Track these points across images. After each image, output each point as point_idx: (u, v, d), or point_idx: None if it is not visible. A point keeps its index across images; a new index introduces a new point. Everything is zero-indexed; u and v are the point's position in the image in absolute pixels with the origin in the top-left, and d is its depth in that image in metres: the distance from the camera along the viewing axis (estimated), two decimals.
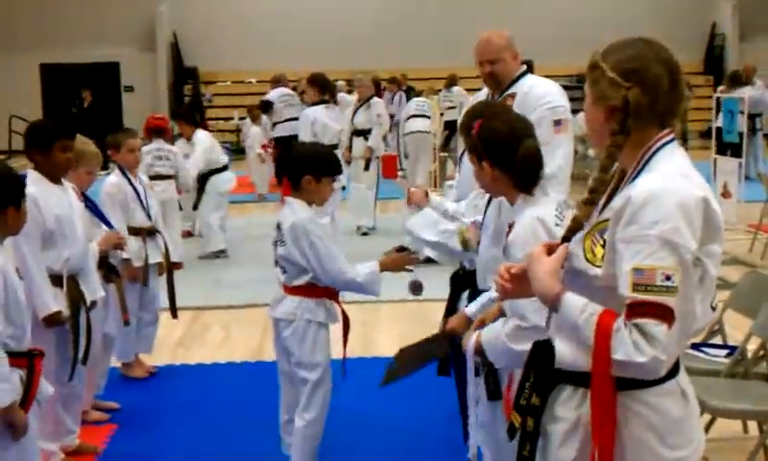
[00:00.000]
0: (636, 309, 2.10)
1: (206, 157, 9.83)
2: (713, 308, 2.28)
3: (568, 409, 2.30)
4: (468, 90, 15.47)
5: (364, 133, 10.90)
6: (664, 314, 2.09)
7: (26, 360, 3.36)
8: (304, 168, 4.14)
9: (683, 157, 2.27)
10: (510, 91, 4.81)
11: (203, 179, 9.98)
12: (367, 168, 10.79)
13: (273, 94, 13.78)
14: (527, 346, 2.44)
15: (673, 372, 2.25)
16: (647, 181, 2.18)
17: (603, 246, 2.22)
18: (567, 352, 2.26)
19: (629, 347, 2.10)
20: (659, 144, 2.25)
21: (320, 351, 4.20)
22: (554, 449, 2.33)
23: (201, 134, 10.09)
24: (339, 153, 9.51)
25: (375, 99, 11.24)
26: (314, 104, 10.07)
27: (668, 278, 2.08)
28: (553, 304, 2.27)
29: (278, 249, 4.15)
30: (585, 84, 2.37)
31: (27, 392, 3.33)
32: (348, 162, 10.80)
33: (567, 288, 2.28)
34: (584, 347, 2.20)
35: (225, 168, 10.19)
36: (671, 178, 2.17)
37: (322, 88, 9.63)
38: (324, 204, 4.30)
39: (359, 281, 4.11)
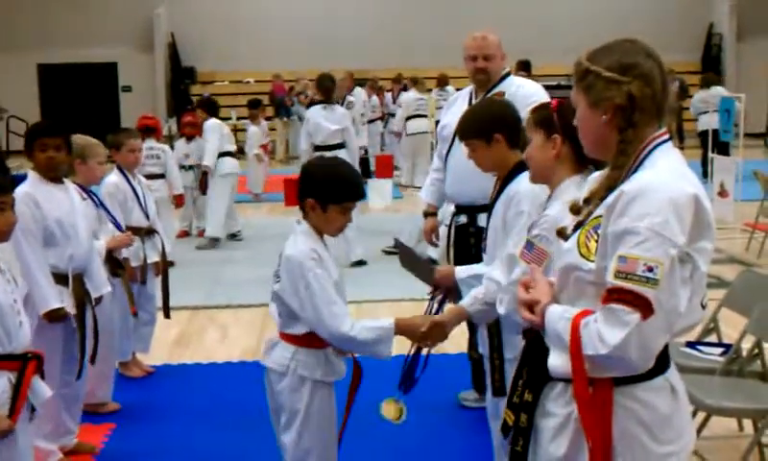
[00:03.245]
0: (614, 294, 2.13)
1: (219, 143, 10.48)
2: (704, 306, 2.29)
3: (559, 405, 2.33)
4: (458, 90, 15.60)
5: None
6: (639, 304, 2.11)
7: (19, 363, 3.30)
8: (308, 189, 3.40)
9: (677, 157, 2.30)
10: (497, 89, 4.92)
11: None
12: None
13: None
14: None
15: (662, 367, 2.27)
16: (640, 176, 2.21)
17: (597, 241, 2.25)
18: (559, 363, 2.27)
19: (595, 339, 2.14)
20: (654, 143, 2.28)
21: (313, 418, 3.40)
22: (545, 444, 2.35)
23: (210, 122, 10.60)
24: (343, 153, 9.49)
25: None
26: (314, 103, 10.15)
27: (650, 269, 2.10)
28: (540, 318, 2.31)
29: (275, 284, 3.42)
30: (573, 94, 2.37)
31: (16, 396, 3.27)
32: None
33: (559, 286, 2.32)
34: (567, 352, 2.23)
35: (230, 154, 10.72)
36: (664, 175, 2.19)
37: (323, 90, 9.72)
38: (336, 234, 3.49)
39: (360, 339, 3.28)
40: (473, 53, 4.96)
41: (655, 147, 2.27)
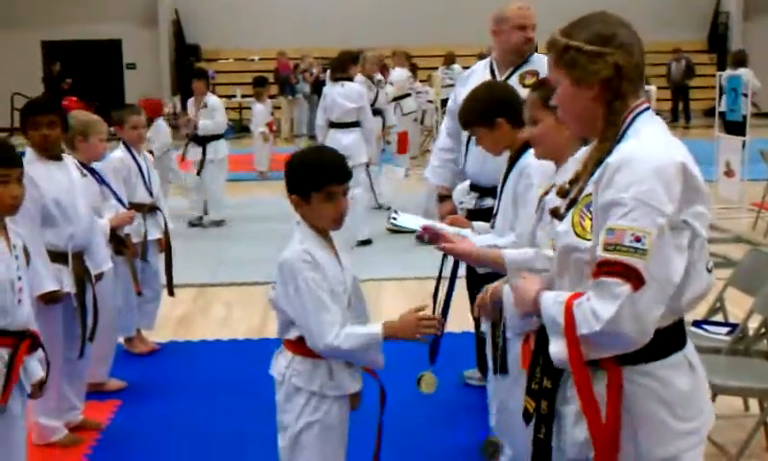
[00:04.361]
0: (604, 267, 2.10)
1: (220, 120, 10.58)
2: (709, 270, 2.25)
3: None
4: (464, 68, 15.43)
5: None
6: (629, 275, 2.07)
7: (13, 340, 3.29)
8: (289, 184, 3.11)
9: (660, 124, 2.28)
10: (529, 68, 4.77)
11: (202, 145, 10.47)
12: None
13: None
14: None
15: (680, 344, 2.25)
16: (624, 147, 2.18)
17: (591, 219, 2.22)
18: (558, 350, 2.22)
19: (588, 316, 2.10)
20: (635, 113, 2.25)
21: (309, 434, 3.08)
22: (568, 430, 2.30)
23: (217, 100, 10.73)
24: (357, 132, 9.47)
25: None
26: (320, 81, 10.22)
27: (638, 239, 2.06)
28: (535, 308, 2.29)
29: (271, 290, 3.17)
30: (551, 74, 2.34)
31: (8, 375, 3.25)
32: None
33: (559, 269, 2.30)
34: (564, 337, 2.19)
35: (221, 136, 10.73)
36: (649, 143, 2.17)
37: (339, 66, 9.72)
38: (334, 226, 3.14)
39: (345, 349, 2.99)
40: (522, 22, 4.74)
41: (636, 116, 2.25)
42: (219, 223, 10.62)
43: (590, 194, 2.22)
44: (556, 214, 2.39)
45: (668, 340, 2.22)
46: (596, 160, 2.25)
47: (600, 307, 2.09)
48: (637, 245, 2.06)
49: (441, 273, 4.13)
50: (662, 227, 2.08)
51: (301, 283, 2.98)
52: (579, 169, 2.34)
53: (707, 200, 2.18)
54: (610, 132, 2.25)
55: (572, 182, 2.35)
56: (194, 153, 10.64)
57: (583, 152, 2.41)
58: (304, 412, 3.08)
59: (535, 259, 2.68)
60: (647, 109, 2.27)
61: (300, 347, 3.09)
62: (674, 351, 2.23)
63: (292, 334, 3.10)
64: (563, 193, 2.37)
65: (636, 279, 2.06)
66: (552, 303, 2.22)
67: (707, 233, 2.20)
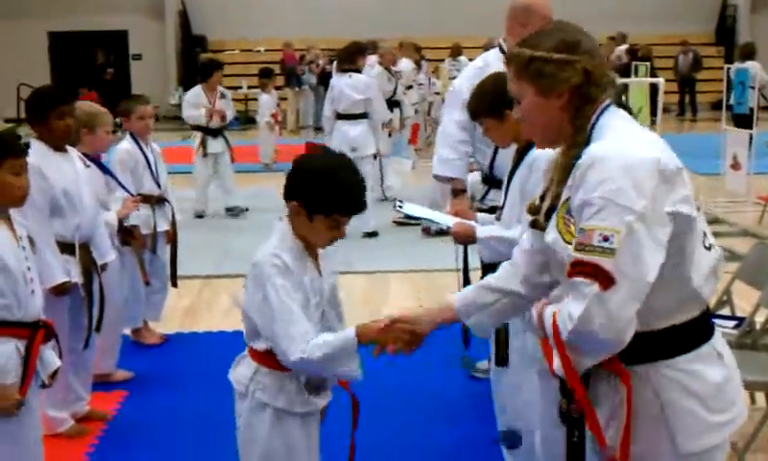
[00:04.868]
0: (576, 268, 2.09)
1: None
2: (708, 248, 2.24)
3: (607, 392, 2.25)
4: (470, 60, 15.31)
5: None
6: (597, 275, 2.05)
7: (28, 332, 3.29)
8: (295, 189, 2.82)
9: (626, 118, 2.28)
10: None
11: (216, 136, 10.62)
12: None
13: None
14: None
15: (705, 335, 2.25)
16: (592, 147, 2.18)
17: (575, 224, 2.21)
18: (558, 363, 2.20)
19: (566, 319, 2.10)
20: (598, 111, 2.26)
21: (275, 455, 2.88)
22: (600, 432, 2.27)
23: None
24: (365, 124, 9.45)
25: None
26: (326, 72, 10.25)
27: (606, 239, 2.05)
28: (540, 324, 2.27)
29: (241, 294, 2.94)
30: (512, 86, 2.33)
31: (25, 367, 3.24)
32: None
33: (560, 277, 2.28)
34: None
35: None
36: (619, 140, 2.16)
37: (347, 58, 9.72)
38: (321, 246, 2.91)
39: (312, 359, 2.68)
40: (548, 12, 4.65)
41: (600, 114, 2.25)
42: (235, 210, 10.74)
43: (569, 198, 2.21)
44: (537, 226, 2.37)
45: (694, 332, 2.23)
46: (567, 166, 2.24)
47: (573, 308, 2.09)
48: (605, 244, 2.05)
49: (465, 265, 4.15)
50: (632, 225, 2.05)
51: (270, 290, 2.73)
52: (548, 180, 2.34)
53: (684, 180, 2.17)
54: (580, 137, 2.25)
55: (542, 196, 2.34)
56: (211, 145, 10.63)
57: (553, 155, 2.39)
58: (272, 430, 2.87)
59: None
60: (609, 104, 2.28)
61: (266, 359, 2.85)
62: (701, 343, 2.23)
63: (259, 344, 2.87)
64: (533, 210, 2.36)
65: (604, 278, 2.05)
66: (548, 315, 2.22)
67: (695, 211, 2.19)
